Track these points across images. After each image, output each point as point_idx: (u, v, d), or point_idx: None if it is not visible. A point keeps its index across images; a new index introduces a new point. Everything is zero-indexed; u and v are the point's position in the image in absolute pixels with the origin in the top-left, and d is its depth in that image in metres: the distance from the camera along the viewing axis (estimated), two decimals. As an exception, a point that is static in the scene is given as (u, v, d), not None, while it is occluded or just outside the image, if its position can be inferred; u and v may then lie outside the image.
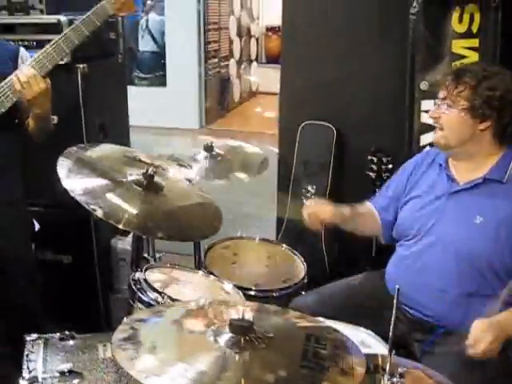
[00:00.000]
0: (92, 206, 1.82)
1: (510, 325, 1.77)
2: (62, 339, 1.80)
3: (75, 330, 1.85)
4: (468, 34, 2.63)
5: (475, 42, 2.62)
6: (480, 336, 1.70)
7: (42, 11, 2.74)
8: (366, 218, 2.27)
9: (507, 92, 1.88)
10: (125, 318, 1.40)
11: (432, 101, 2.66)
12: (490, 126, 1.91)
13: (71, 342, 1.79)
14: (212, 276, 2.17)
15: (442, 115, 1.96)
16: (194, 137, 3.04)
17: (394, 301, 1.30)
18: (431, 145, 2.25)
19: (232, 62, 9.15)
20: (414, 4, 2.67)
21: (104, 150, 2.29)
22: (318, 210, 2.21)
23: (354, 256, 3.06)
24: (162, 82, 7.94)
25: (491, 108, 1.88)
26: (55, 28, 2.60)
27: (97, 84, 2.84)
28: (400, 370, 1.31)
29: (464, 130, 1.92)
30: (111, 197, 1.89)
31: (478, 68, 1.99)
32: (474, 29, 2.62)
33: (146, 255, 2.51)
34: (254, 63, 10.45)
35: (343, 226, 2.25)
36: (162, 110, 7.28)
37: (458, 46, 2.65)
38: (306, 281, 2.34)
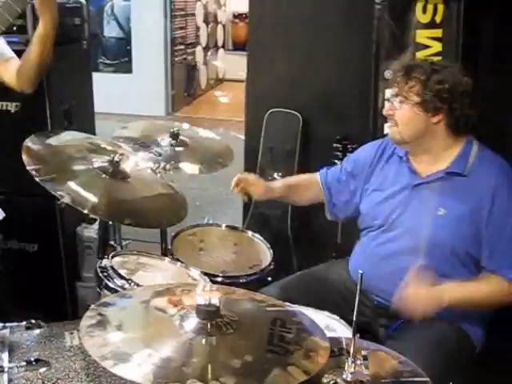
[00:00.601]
0: (59, 192, 1.81)
1: (448, 295, 1.85)
2: (28, 328, 1.78)
3: (41, 318, 1.84)
4: (432, 25, 2.66)
5: (439, 33, 2.66)
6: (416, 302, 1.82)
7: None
8: (303, 191, 2.42)
9: (456, 84, 1.92)
10: (92, 305, 1.40)
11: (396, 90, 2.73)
12: (443, 119, 1.94)
13: (37, 331, 1.77)
14: (179, 263, 2.18)
15: (395, 111, 1.99)
16: (159, 123, 3.02)
17: (358, 285, 1.33)
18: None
19: (199, 49, 9.10)
20: (379, -6, 2.70)
21: (68, 138, 2.28)
22: (249, 181, 2.34)
23: (319, 242, 3.10)
24: (127, 68, 7.87)
25: (442, 101, 1.91)
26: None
27: (61, 70, 2.80)
28: (364, 352, 1.34)
29: (417, 124, 1.96)
30: (78, 183, 1.88)
31: (427, 63, 2.04)
32: (438, 19, 2.65)
33: (112, 243, 2.50)
34: (221, 50, 10.42)
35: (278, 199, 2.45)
36: (128, 97, 7.22)
37: (421, 35, 2.69)
38: (272, 267, 2.37)
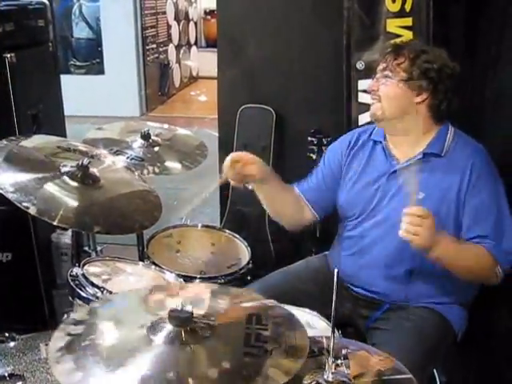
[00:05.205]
0: (24, 204, 1.74)
1: (442, 245, 1.78)
2: (1, 342, 1.74)
3: (20, 330, 1.80)
4: (402, 13, 2.64)
5: (409, 21, 2.64)
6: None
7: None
8: (289, 198, 2.19)
9: (444, 66, 1.92)
10: (61, 324, 1.32)
11: (369, 80, 2.70)
12: (426, 100, 1.94)
13: (11, 344, 1.74)
14: (153, 266, 2.13)
15: (380, 86, 1.98)
16: (133, 124, 2.97)
17: (334, 283, 1.30)
18: (370, 123, 2.26)
19: (171, 47, 9.03)
20: (348, -16, 2.67)
21: (37, 142, 2.21)
22: (245, 159, 2.00)
23: (298, 238, 3.07)
24: (99, 69, 7.77)
25: (428, 80, 1.91)
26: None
27: (27, 74, 2.73)
28: (344, 351, 1.32)
29: (401, 100, 1.95)
30: (45, 192, 1.81)
31: (417, 43, 2.06)
32: (407, 7, 2.64)
33: (86, 248, 2.45)
34: (194, 47, 10.35)
35: (266, 197, 2.13)
36: (101, 99, 7.13)
37: (392, 25, 2.67)
38: (251, 266, 2.34)
